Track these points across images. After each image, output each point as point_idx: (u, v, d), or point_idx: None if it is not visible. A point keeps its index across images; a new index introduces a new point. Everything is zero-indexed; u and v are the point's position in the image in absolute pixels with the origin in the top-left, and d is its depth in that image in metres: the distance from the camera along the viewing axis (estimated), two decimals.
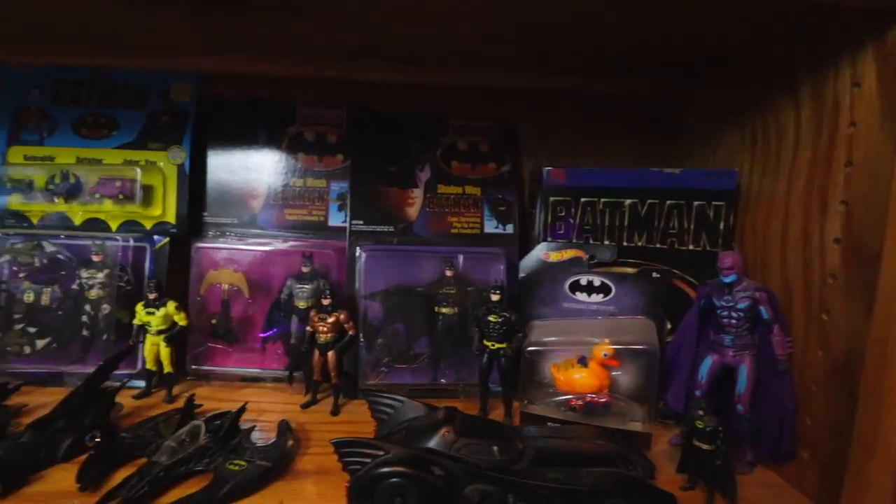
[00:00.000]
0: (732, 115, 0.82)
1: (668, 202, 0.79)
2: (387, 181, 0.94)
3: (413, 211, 0.94)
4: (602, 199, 0.81)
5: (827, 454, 0.62)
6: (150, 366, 0.84)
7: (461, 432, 0.60)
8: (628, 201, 0.80)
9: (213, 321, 0.88)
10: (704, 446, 0.61)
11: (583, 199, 0.82)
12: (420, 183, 0.95)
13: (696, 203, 0.78)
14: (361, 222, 0.93)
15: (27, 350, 0.84)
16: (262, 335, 0.89)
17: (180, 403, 0.84)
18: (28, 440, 0.64)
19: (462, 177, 0.96)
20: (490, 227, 0.94)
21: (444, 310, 0.85)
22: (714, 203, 0.78)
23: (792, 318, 0.68)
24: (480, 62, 0.93)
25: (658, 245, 0.80)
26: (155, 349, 0.84)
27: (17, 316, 0.84)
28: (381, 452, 0.57)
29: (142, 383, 0.86)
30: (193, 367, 0.89)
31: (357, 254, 0.90)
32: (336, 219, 0.95)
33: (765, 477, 0.69)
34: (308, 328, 0.83)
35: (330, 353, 0.82)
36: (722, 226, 0.78)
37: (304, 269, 0.88)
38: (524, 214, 0.97)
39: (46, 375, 0.83)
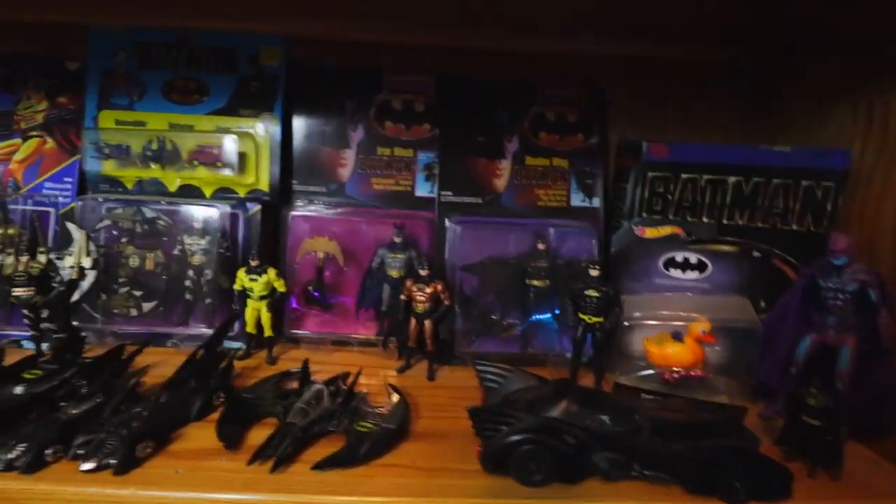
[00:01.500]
0: (844, 92, 0.80)
1: (775, 181, 0.78)
2: (475, 151, 0.94)
3: (501, 182, 0.94)
4: (705, 176, 0.81)
5: None
6: (250, 329, 0.87)
7: (582, 403, 0.63)
8: (732, 179, 0.80)
9: (309, 287, 0.90)
10: (814, 422, 0.64)
11: (684, 176, 0.81)
12: (508, 154, 0.94)
13: (804, 183, 0.78)
14: (450, 193, 0.93)
15: (133, 312, 0.87)
16: (356, 302, 0.92)
17: (281, 365, 0.89)
18: (165, 401, 0.68)
19: (550, 148, 0.95)
20: (576, 200, 0.94)
21: (535, 282, 0.87)
22: (823, 183, 0.77)
23: None
24: (571, 28, 0.90)
25: (760, 224, 0.80)
26: (255, 313, 0.87)
27: (121, 279, 0.87)
28: (515, 420, 0.60)
29: (237, 344, 0.90)
30: (291, 330, 0.92)
31: (448, 225, 0.90)
32: (423, 189, 0.95)
33: (859, 451, 0.72)
34: (403, 297, 0.85)
35: (427, 322, 0.85)
36: (829, 207, 0.78)
37: (397, 240, 0.89)
38: (608, 188, 0.97)
39: (150, 336, 0.87)
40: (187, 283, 0.87)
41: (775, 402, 0.77)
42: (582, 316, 0.80)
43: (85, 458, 0.57)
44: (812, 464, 0.65)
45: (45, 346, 0.83)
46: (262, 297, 0.86)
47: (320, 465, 0.59)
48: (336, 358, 0.91)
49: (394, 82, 0.94)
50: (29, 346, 0.85)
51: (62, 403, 0.69)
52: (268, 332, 0.87)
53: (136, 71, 0.90)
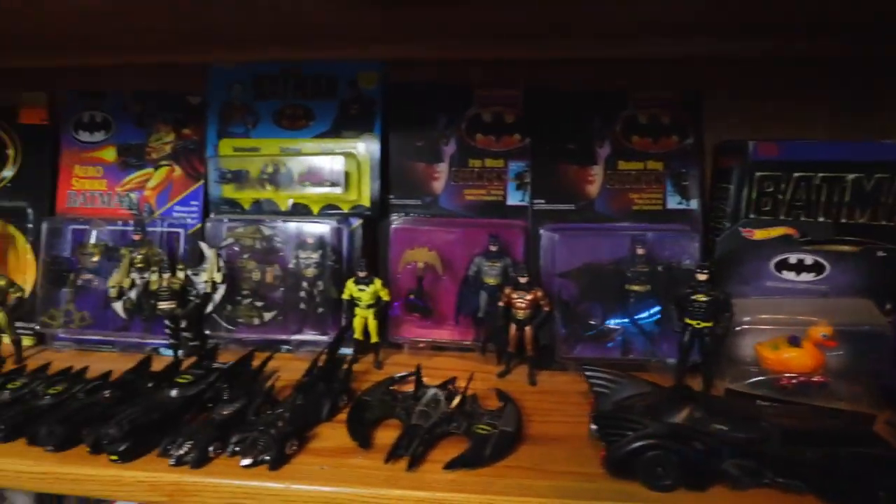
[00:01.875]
0: None
1: None
2: (566, 159, 0.95)
3: (593, 188, 0.95)
4: (820, 174, 0.77)
5: None
6: (357, 335, 0.93)
7: (705, 409, 0.63)
8: (851, 176, 0.76)
9: (411, 296, 0.95)
10: None
11: (796, 174, 0.79)
12: (599, 160, 0.95)
13: None
14: (543, 201, 0.95)
15: (256, 321, 0.95)
16: (454, 309, 0.95)
17: (387, 369, 0.94)
18: (301, 403, 0.74)
19: (643, 151, 0.94)
20: (673, 202, 0.93)
21: (635, 287, 0.87)
22: None
23: None
24: (662, 31, 0.89)
25: (884, 222, 0.76)
26: (363, 321, 0.93)
27: (244, 292, 0.96)
28: (641, 426, 0.61)
29: (346, 350, 0.96)
30: (394, 336, 0.97)
31: (543, 232, 0.92)
32: (514, 198, 0.97)
33: None
34: (501, 304, 0.88)
35: (527, 328, 0.87)
36: None
37: (492, 248, 0.92)
38: (704, 190, 0.95)
39: (266, 343, 0.95)
40: (301, 293, 0.94)
41: None
42: (689, 321, 0.80)
43: (242, 455, 0.65)
44: None
45: (180, 352, 0.94)
46: (369, 306, 0.91)
47: (451, 465, 0.63)
48: (437, 362, 0.95)
49: (483, 96, 0.97)
50: (167, 353, 0.95)
51: (209, 405, 0.77)
52: (374, 338, 0.93)
53: (251, 102, 0.99)
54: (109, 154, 1.03)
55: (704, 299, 0.78)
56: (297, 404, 0.73)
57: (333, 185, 0.94)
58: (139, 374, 0.83)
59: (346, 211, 0.97)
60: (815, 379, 0.75)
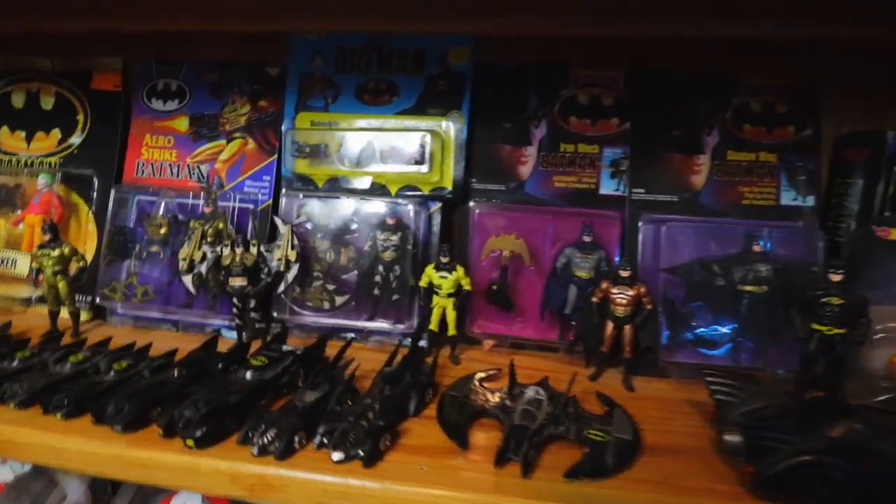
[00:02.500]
0: None
1: None
2: (670, 147, 0.88)
3: (699, 179, 0.87)
4: None
5: None
6: (433, 327, 0.87)
7: (869, 424, 0.55)
8: None
9: (494, 286, 0.88)
10: None
11: None
12: (707, 149, 0.87)
13: None
14: (642, 190, 0.88)
15: (326, 305, 0.89)
16: (541, 305, 0.88)
17: (465, 365, 0.87)
18: (389, 394, 0.68)
19: (756, 141, 0.86)
20: (787, 198, 0.85)
21: (750, 287, 0.79)
22: None
23: None
24: (773, 12, 0.82)
25: None
26: (440, 311, 0.86)
27: (315, 273, 0.90)
28: (794, 440, 0.53)
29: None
30: (470, 330, 0.90)
31: (641, 224, 0.85)
32: (608, 186, 0.90)
33: None
34: (595, 299, 0.81)
35: (626, 328, 0.79)
36: None
37: (586, 239, 0.85)
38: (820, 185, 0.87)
39: (334, 329, 0.89)
40: (376, 278, 0.88)
41: None
42: (818, 327, 0.71)
43: (333, 448, 0.58)
44: None
45: (245, 334, 0.88)
46: (449, 295, 0.85)
47: (572, 474, 0.55)
48: (519, 361, 0.87)
49: (582, 76, 0.91)
50: (229, 334, 0.90)
51: (284, 391, 0.71)
52: (452, 331, 0.86)
53: (332, 74, 0.94)
54: (181, 124, 0.99)
55: (838, 302, 0.69)
56: (385, 395, 0.67)
57: (417, 163, 0.88)
58: (208, 354, 0.78)
59: (426, 193, 0.91)
60: None
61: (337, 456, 0.57)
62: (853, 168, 0.79)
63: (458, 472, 0.57)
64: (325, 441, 0.59)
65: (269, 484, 0.57)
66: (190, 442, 0.57)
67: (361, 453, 0.57)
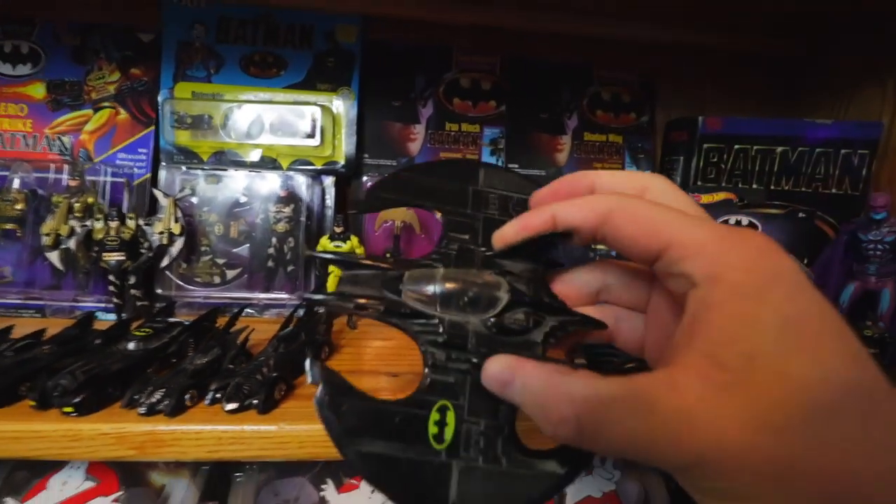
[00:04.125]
0: (870, 74, 0.91)
1: (818, 150, 0.88)
2: (539, 128, 1.00)
3: (562, 156, 1.00)
4: (755, 147, 0.89)
5: None
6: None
7: None
8: (780, 148, 0.89)
9: (388, 254, 0.94)
10: (872, 350, 0.73)
11: (736, 147, 0.90)
12: (568, 130, 1.01)
13: (843, 151, 0.88)
14: (517, 166, 0.99)
15: (217, 280, 0.88)
16: None
17: (360, 329, 0.91)
18: (284, 351, 0.70)
19: (606, 125, 1.02)
20: None
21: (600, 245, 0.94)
22: (860, 151, 0.87)
23: None
24: (626, 15, 0.98)
25: (804, 189, 0.89)
26: (336, 278, 0.90)
27: (202, 248, 0.88)
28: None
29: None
30: None
31: None
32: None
33: None
34: None
35: None
36: (864, 172, 0.88)
37: None
38: (656, 162, 1.05)
39: (229, 305, 0.88)
40: (270, 250, 0.89)
41: None
42: None
43: (227, 400, 0.59)
44: None
45: (124, 315, 0.84)
46: None
47: None
48: None
49: (463, 61, 0.99)
50: (107, 317, 0.84)
51: (173, 360, 0.70)
52: None
53: (213, 44, 0.92)
54: (37, 90, 0.89)
55: None
56: (279, 352, 0.69)
57: (309, 136, 0.90)
58: (83, 331, 0.73)
59: (319, 167, 0.93)
60: None
61: (230, 406, 0.59)
62: (677, 147, 0.97)
63: None
64: (218, 396, 0.60)
65: (160, 440, 0.57)
66: (68, 409, 0.55)
67: (255, 402, 0.59)
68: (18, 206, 0.83)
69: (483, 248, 0.40)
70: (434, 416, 0.34)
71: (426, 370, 0.36)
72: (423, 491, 0.33)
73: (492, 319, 0.37)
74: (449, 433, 0.34)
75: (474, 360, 0.36)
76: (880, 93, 0.89)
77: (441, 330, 0.36)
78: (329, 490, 0.74)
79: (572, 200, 0.35)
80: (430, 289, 0.38)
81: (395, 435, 0.33)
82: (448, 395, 0.35)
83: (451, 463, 0.34)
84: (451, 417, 0.35)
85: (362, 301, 0.39)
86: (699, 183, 0.93)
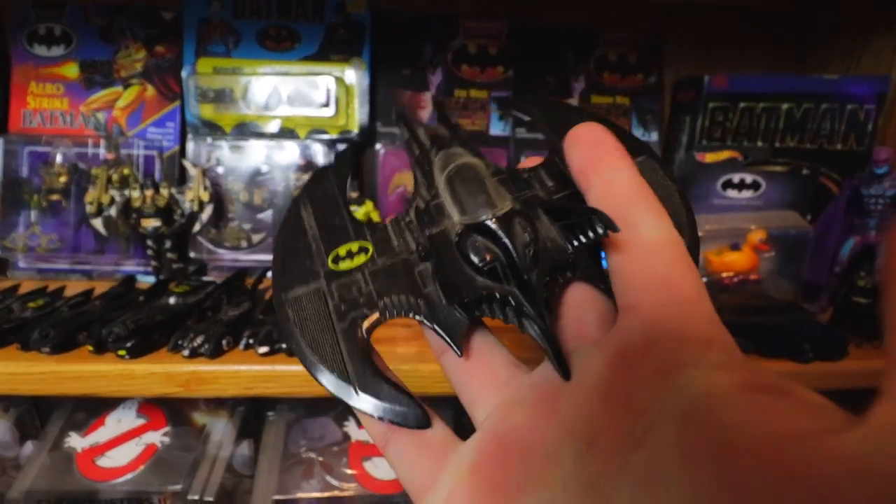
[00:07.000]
0: (879, 27, 0.90)
1: (823, 106, 0.89)
2: (546, 91, 1.02)
3: None
4: (761, 104, 0.90)
5: None
6: None
7: None
8: (785, 105, 0.90)
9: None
10: (863, 300, 0.76)
11: (742, 105, 0.91)
12: (575, 93, 1.03)
13: (849, 107, 0.88)
14: (524, 130, 1.02)
15: (244, 244, 0.95)
16: None
17: None
18: None
19: (613, 87, 1.04)
20: (637, 134, 1.04)
21: None
22: (866, 107, 0.87)
23: None
24: None
25: (808, 145, 0.90)
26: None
27: (230, 214, 0.95)
28: None
29: None
30: None
31: (523, 159, 0.99)
32: (496, 128, 1.03)
33: None
34: None
35: None
36: (870, 127, 0.88)
37: None
38: (663, 122, 1.06)
39: (256, 267, 0.95)
40: None
41: (819, 300, 0.89)
42: None
43: (259, 345, 0.67)
44: (862, 337, 0.77)
45: (162, 276, 0.91)
46: None
47: None
48: None
49: (469, 27, 1.01)
50: (146, 279, 0.92)
51: (209, 314, 0.78)
52: None
53: (231, 20, 0.96)
54: (71, 70, 0.96)
55: None
56: None
57: (324, 106, 0.94)
58: (127, 289, 0.82)
59: (334, 136, 0.98)
60: (751, 277, 0.89)
61: (263, 349, 0.66)
62: (683, 107, 0.99)
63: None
64: (251, 342, 0.68)
65: (203, 378, 0.65)
66: (122, 352, 0.63)
67: (285, 346, 0.67)
68: (62, 179, 0.91)
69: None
70: None
71: None
72: None
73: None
74: None
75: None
76: (890, 46, 0.88)
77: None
78: (351, 426, 0.82)
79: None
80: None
81: None
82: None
83: None
84: None
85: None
86: (704, 142, 0.95)
